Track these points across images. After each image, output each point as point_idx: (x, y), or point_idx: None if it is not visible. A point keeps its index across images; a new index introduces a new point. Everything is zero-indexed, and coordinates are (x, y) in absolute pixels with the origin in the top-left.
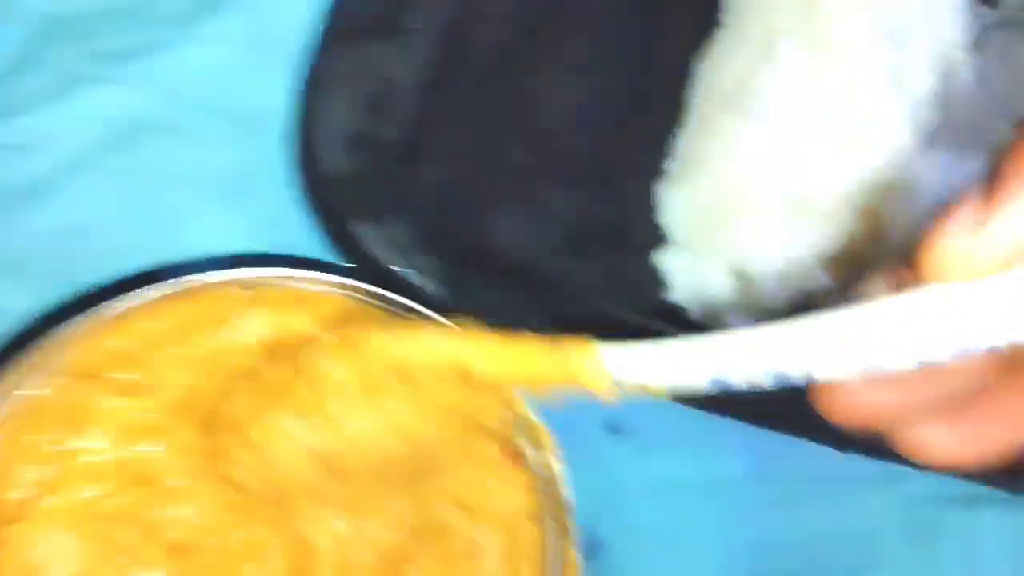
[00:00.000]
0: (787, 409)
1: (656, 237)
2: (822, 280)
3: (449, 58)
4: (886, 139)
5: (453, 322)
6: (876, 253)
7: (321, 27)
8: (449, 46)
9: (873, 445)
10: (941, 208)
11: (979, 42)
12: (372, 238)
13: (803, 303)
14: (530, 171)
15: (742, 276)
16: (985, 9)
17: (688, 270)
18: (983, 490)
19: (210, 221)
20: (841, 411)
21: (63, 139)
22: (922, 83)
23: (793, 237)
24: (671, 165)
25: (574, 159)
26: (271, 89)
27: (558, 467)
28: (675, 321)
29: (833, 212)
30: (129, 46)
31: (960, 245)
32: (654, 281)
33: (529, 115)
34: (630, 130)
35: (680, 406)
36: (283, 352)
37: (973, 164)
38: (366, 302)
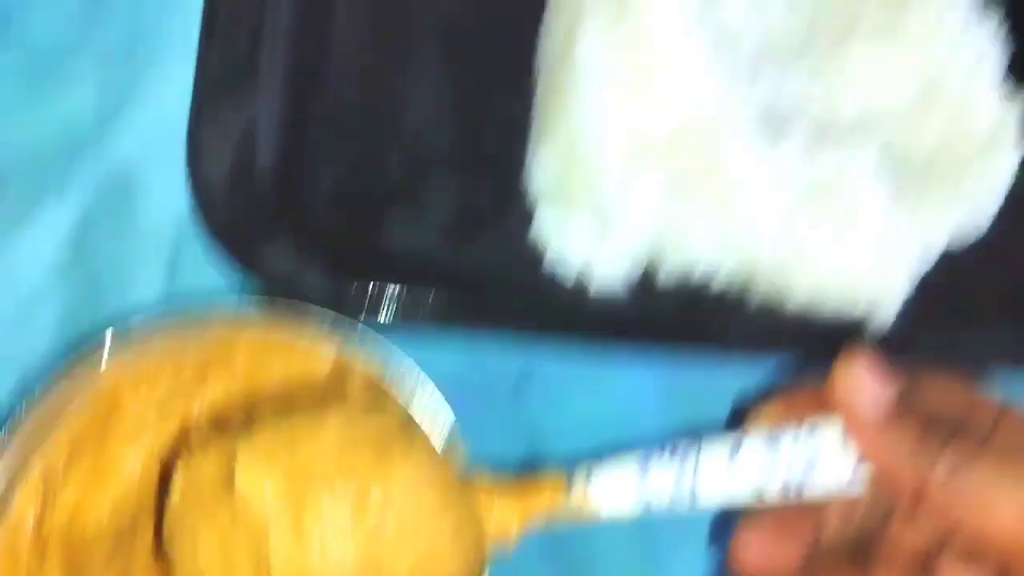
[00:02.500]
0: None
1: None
2: (674, 207)
3: (309, 85)
4: (695, 79)
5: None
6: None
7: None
8: (308, 73)
9: None
10: None
11: None
12: (271, 256)
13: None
14: (409, 170)
15: (606, 220)
16: None
17: (559, 223)
18: None
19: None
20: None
21: None
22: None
23: (640, 176)
24: (532, 129)
25: (450, 150)
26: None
27: None
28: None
29: (671, 144)
30: None
31: None
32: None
33: (400, 117)
34: (498, 112)
35: None
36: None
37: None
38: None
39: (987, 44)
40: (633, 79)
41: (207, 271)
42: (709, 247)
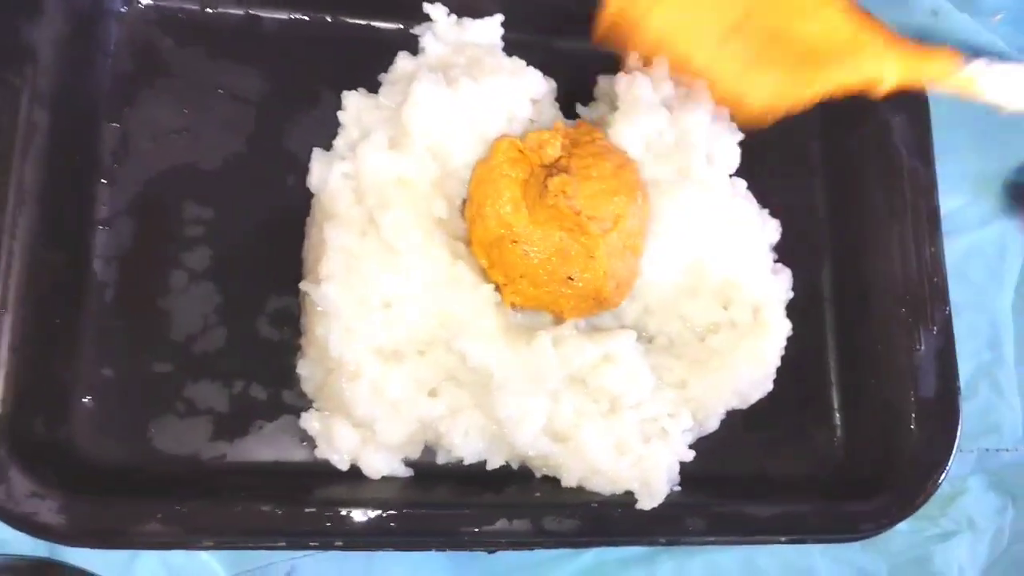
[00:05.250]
0: None
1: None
2: (434, 409)
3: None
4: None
5: None
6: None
7: None
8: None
9: None
10: None
11: None
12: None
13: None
14: (174, 376)
15: (363, 425)
16: None
17: (323, 429)
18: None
19: None
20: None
21: None
22: None
23: (392, 379)
24: (300, 341)
25: (216, 355)
26: None
27: None
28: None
29: (420, 350)
30: None
31: None
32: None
33: (164, 330)
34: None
35: None
36: None
37: None
38: None
39: (752, 223)
40: (374, 295)
41: None
42: (475, 441)
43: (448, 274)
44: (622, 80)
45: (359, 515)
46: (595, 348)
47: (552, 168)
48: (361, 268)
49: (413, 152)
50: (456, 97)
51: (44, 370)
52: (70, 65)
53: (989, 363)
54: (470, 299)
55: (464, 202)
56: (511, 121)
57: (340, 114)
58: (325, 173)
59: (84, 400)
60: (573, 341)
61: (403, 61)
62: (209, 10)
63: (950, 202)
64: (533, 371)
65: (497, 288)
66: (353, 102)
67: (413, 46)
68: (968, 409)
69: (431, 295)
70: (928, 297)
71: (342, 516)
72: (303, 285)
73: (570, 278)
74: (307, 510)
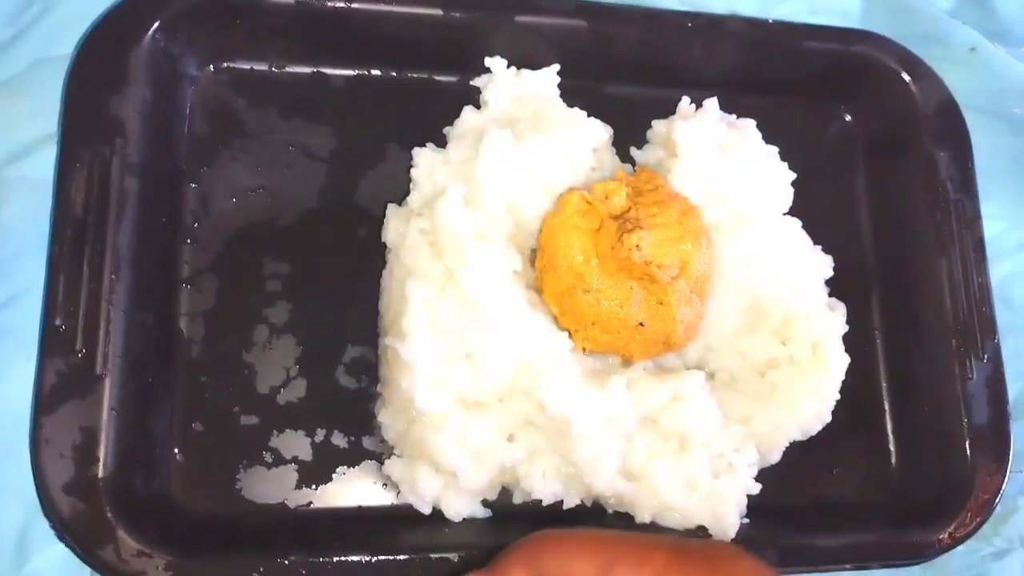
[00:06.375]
0: None
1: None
2: (513, 454)
3: (152, 378)
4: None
5: None
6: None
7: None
8: (149, 366)
9: None
10: None
11: None
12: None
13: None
14: (260, 428)
15: (445, 471)
16: None
17: (406, 475)
18: None
19: None
20: None
21: None
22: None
23: (474, 427)
24: (379, 389)
25: (298, 405)
26: None
27: None
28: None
29: (499, 398)
30: None
31: None
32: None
33: (248, 383)
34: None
35: None
36: None
37: None
38: None
39: (807, 261)
40: (457, 348)
41: (54, 561)
42: (552, 483)
43: (526, 324)
44: (680, 127)
45: (447, 557)
46: (665, 389)
47: (621, 219)
48: (443, 322)
49: (487, 207)
50: (524, 151)
51: (140, 428)
52: (154, 131)
53: None
54: (547, 347)
55: (534, 252)
56: (574, 171)
57: (413, 171)
58: (402, 228)
59: (176, 454)
60: (644, 383)
61: (469, 115)
62: (276, 70)
63: (991, 228)
64: (608, 414)
65: (569, 334)
66: (425, 159)
67: (472, 96)
68: (1017, 430)
69: (510, 345)
70: (978, 327)
71: (432, 561)
72: (388, 340)
73: (641, 324)
74: (399, 558)
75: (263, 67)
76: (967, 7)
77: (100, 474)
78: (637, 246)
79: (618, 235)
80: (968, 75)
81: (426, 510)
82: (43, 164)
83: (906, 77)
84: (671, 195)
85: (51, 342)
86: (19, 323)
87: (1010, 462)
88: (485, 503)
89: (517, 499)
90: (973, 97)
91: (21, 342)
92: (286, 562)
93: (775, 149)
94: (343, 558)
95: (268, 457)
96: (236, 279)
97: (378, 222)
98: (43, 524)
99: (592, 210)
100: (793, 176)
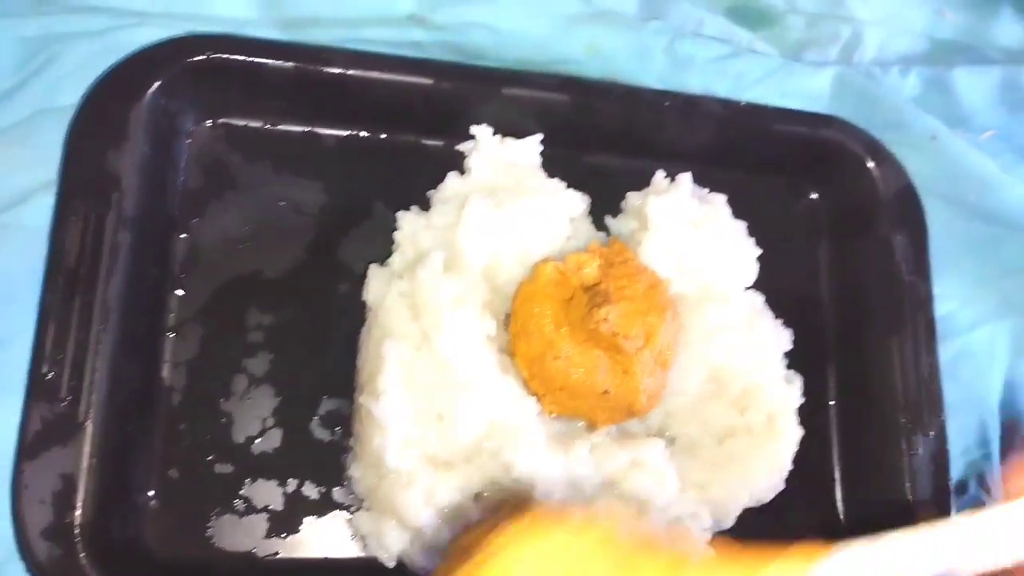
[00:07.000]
0: None
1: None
2: (479, 512)
3: (132, 425)
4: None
5: None
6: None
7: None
8: (128, 414)
9: None
10: None
11: None
12: None
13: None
14: (234, 476)
15: (410, 527)
16: None
17: (373, 529)
18: None
19: None
20: None
21: None
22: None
23: (442, 486)
24: (351, 443)
25: (273, 455)
26: None
27: None
28: None
29: (467, 458)
30: None
31: None
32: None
33: (225, 432)
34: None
35: None
36: None
37: None
38: None
39: (768, 335)
40: (429, 408)
41: None
42: None
43: (496, 387)
44: (652, 201)
45: None
46: (626, 454)
47: (592, 290)
48: (417, 382)
49: (466, 273)
50: (504, 219)
51: (119, 475)
52: (149, 185)
53: (978, 462)
54: (516, 411)
55: (507, 316)
56: (551, 239)
57: (396, 234)
58: (382, 289)
59: (151, 500)
60: (606, 448)
61: (452, 180)
62: (271, 127)
63: (942, 307)
64: (571, 477)
65: (537, 397)
66: (408, 222)
67: (457, 160)
68: (959, 506)
69: (481, 407)
70: (925, 404)
71: None
72: (363, 399)
73: (606, 392)
74: None
75: (258, 124)
76: (931, 94)
77: (77, 520)
78: (605, 319)
79: (588, 307)
80: (928, 162)
81: (390, 563)
82: (39, 212)
83: (869, 163)
84: (640, 268)
85: (37, 389)
86: (4, 368)
87: None
88: None
89: None
90: (932, 182)
91: (6, 387)
92: None
93: (743, 224)
94: None
95: (240, 505)
96: (220, 329)
97: (360, 279)
98: (19, 566)
99: (565, 280)
100: (759, 252)
